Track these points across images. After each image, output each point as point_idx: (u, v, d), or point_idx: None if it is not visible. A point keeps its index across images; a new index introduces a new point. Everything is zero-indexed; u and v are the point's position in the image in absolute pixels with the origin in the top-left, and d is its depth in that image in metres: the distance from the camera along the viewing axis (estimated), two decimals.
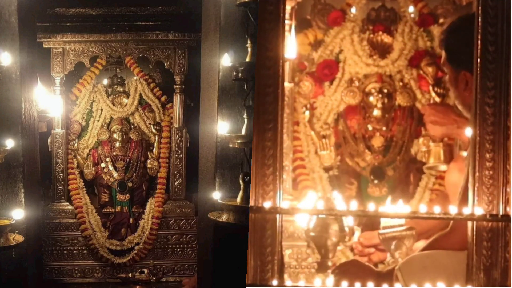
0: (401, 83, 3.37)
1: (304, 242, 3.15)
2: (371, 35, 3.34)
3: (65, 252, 4.93)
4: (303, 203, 2.90)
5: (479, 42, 2.52)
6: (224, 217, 3.36)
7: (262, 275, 2.53)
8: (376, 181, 3.38)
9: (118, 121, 5.02)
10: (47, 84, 4.88)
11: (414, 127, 3.39)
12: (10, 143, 3.53)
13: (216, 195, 3.57)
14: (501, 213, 2.49)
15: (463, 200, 2.62)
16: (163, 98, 5.07)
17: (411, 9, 3.34)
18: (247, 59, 3.36)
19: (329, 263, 2.96)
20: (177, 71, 4.96)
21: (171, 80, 5.03)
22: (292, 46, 3.07)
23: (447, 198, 3.06)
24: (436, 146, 3.31)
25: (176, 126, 5.00)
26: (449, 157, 3.31)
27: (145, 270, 4.89)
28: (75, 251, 4.94)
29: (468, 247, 2.55)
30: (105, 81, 5.12)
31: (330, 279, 2.79)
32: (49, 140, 4.90)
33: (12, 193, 3.71)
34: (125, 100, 5.04)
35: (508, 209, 2.49)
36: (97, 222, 4.93)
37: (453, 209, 2.54)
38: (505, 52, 2.50)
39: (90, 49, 4.92)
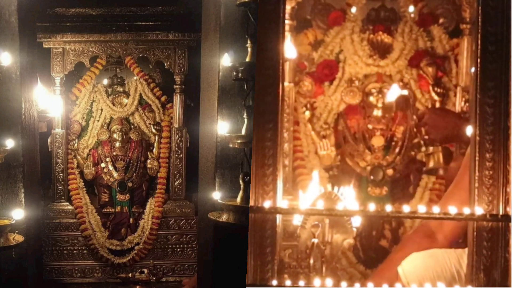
0: (401, 83, 3.37)
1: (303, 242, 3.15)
2: (371, 35, 3.34)
3: (65, 252, 4.93)
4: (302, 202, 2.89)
5: (479, 42, 2.52)
6: (224, 217, 3.36)
7: (262, 275, 2.53)
8: (376, 181, 3.38)
9: (118, 121, 5.02)
10: (47, 84, 4.87)
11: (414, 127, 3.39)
12: (10, 143, 3.52)
13: (216, 195, 3.57)
14: (501, 213, 2.49)
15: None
16: (163, 98, 5.07)
17: (411, 9, 3.35)
18: (247, 59, 3.35)
19: None
20: (177, 71, 4.95)
21: (171, 80, 5.03)
22: (292, 46, 3.07)
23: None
24: (435, 149, 3.31)
25: (176, 126, 5.00)
26: (449, 159, 3.31)
27: (145, 270, 4.89)
28: (75, 251, 4.94)
29: (468, 247, 2.55)
30: (105, 81, 5.11)
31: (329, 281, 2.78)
32: (49, 140, 4.90)
33: (12, 193, 3.70)
34: (125, 100, 5.04)
35: (508, 209, 2.49)
36: (97, 222, 4.93)
37: (452, 209, 2.54)
38: (505, 52, 2.50)
39: (90, 49, 4.92)
